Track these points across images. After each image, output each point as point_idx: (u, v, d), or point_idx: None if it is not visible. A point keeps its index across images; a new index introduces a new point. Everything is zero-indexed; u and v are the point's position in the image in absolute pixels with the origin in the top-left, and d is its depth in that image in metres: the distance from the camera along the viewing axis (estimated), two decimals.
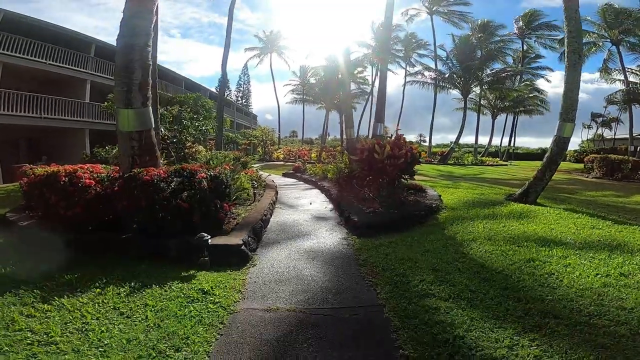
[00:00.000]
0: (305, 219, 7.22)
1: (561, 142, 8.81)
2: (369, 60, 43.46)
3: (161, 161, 9.02)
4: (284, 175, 16.82)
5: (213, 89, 48.69)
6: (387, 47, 9.40)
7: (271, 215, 7.31)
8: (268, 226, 6.65)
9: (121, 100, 5.16)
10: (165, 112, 12.08)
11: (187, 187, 4.80)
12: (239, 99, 75.25)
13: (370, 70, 45.22)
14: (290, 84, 51.97)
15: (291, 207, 8.46)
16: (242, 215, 6.70)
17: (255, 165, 25.06)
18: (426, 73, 34.40)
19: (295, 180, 14.65)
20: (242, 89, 78.30)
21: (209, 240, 4.43)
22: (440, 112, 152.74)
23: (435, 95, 35.10)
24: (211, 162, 8.07)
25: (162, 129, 11.41)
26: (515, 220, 6.75)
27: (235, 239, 4.82)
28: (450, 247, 5.14)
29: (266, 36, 50.24)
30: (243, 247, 4.75)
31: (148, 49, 5.42)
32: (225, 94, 69.95)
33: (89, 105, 19.96)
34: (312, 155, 32.32)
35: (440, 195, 9.04)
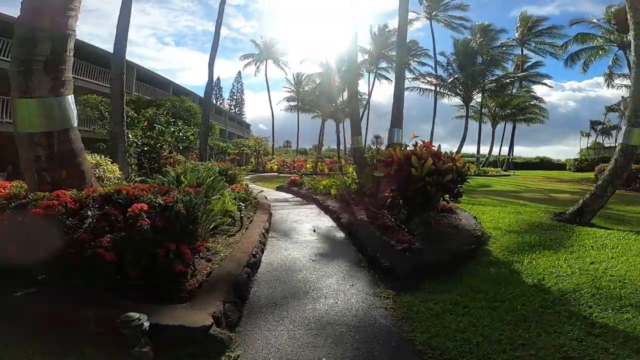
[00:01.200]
0: (310, 256, 5.22)
1: (629, 151, 7.04)
2: (366, 67, 42.12)
3: (118, 175, 7.10)
4: (279, 189, 14.83)
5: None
6: (404, 42, 7.72)
7: (262, 252, 5.31)
8: (258, 271, 4.65)
9: (17, 87, 3.20)
10: (137, 115, 10.09)
11: (117, 224, 2.82)
12: (232, 107, 73.51)
13: (366, 78, 43.91)
14: (284, 91, 50.42)
15: (289, 237, 6.47)
16: (222, 253, 4.71)
17: (247, 177, 23.14)
18: (427, 79, 32.84)
19: (291, 195, 12.66)
20: (235, 97, 76.75)
21: (146, 324, 2.43)
22: (436, 120, 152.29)
23: (436, 102, 33.62)
24: (182, 178, 6.06)
25: (131, 134, 9.40)
26: (598, 251, 5.14)
27: (199, 315, 2.81)
28: (557, 306, 3.30)
29: (262, 42, 48.68)
30: (213, 327, 2.75)
31: (70, 14, 3.48)
32: (218, 102, 68.76)
33: None
34: (308, 165, 30.40)
35: (475, 218, 7.18)
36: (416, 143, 8.06)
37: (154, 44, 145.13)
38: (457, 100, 35.99)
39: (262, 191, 11.77)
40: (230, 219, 6.34)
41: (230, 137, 48.16)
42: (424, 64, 41.28)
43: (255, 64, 49.50)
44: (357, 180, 9.27)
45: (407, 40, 42.64)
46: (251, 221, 6.81)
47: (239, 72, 77.77)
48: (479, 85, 32.64)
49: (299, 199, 11.69)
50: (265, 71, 49.27)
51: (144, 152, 9.33)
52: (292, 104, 51.21)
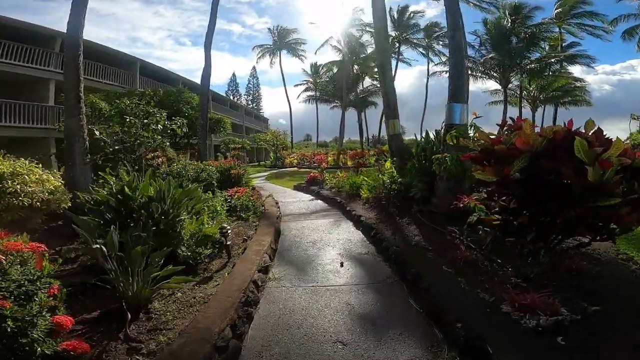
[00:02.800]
0: (340, 324, 2.85)
1: None
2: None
3: (56, 186, 4.88)
4: (296, 188, 12.49)
5: (223, 94, 45.26)
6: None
7: (250, 319, 2.96)
8: None
9: None
10: (106, 106, 7.95)
11: None
12: (249, 102, 71.91)
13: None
14: (302, 83, 48.12)
15: (303, 277, 4.06)
16: (170, 326, 2.46)
17: (264, 174, 21.08)
18: None
19: (310, 197, 10.29)
20: (252, 92, 75.00)
21: None
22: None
23: (468, 87, 30.24)
24: (127, 190, 3.72)
25: (98, 131, 7.26)
26: None
27: None
28: None
29: (276, 31, 46.31)
30: None
31: None
32: (235, 98, 67.14)
33: (53, 109, 16.19)
34: (329, 159, 27.94)
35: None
36: (473, 126, 5.53)
37: (171, 45, 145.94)
38: (490, 85, 32.50)
39: (270, 195, 9.47)
40: (210, 250, 4.05)
41: (248, 132, 46.35)
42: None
43: (269, 55, 47.20)
44: (398, 179, 6.79)
45: (429, 23, 39.54)
46: (244, 249, 4.50)
47: (254, 67, 76.03)
48: (517, 65, 29.10)
49: (319, 202, 9.31)
50: (280, 62, 46.88)
51: (115, 152, 7.17)
52: (310, 94, 48.99)
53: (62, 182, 4.82)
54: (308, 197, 10.30)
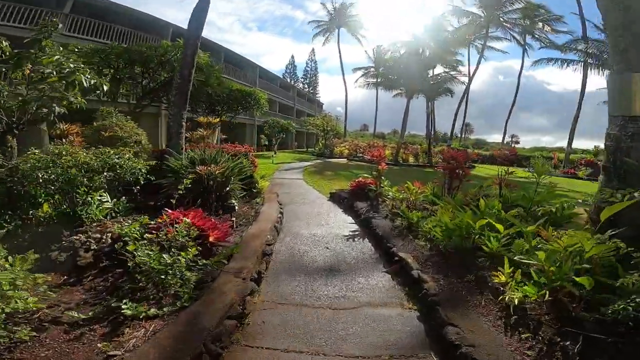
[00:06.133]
0: None
1: None
2: (465, 38, 32.09)
3: None
4: (333, 198, 8.00)
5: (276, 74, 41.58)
6: None
7: None
8: None
9: None
10: None
11: None
12: (306, 86, 68.16)
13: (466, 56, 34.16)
14: (362, 68, 42.93)
15: None
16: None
17: (300, 165, 16.78)
18: (579, 47, 22.12)
19: (349, 229, 5.77)
20: (308, 75, 71.06)
21: None
22: (538, 109, 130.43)
23: (585, 78, 23.09)
24: None
25: None
26: None
27: None
28: None
29: (334, 7, 41.27)
30: None
31: None
32: (293, 81, 63.18)
33: None
34: (387, 152, 22.97)
35: None
36: None
37: (239, 30, 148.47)
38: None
39: (300, 203, 5.01)
40: None
41: (299, 116, 42.51)
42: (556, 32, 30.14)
43: (324, 35, 42.34)
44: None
45: (528, 4, 31.88)
46: None
47: (312, 50, 72.00)
48: None
49: (366, 248, 4.76)
50: (338, 41, 41.78)
51: None
52: (371, 80, 43.84)
53: None
54: (345, 227, 5.72)
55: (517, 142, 67.69)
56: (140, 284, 2.91)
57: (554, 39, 29.70)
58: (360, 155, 24.89)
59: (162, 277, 2.92)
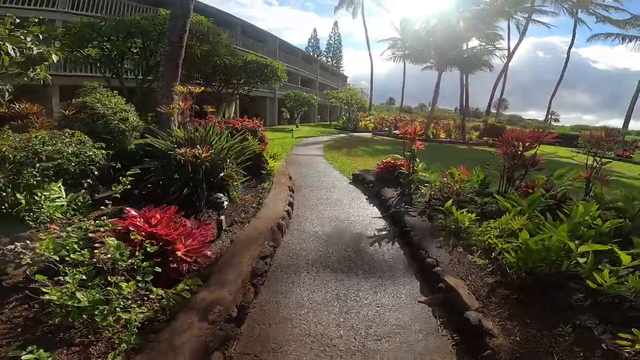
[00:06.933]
0: None
1: None
2: (503, 10, 28.43)
3: None
4: (356, 180, 6.83)
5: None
6: None
7: None
8: None
9: None
10: None
11: None
12: (329, 59, 65.39)
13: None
14: (389, 39, 40.08)
15: None
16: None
17: (321, 140, 15.43)
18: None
19: (377, 227, 4.58)
20: (332, 48, 67.97)
21: None
22: (581, 87, 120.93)
23: None
24: None
25: None
26: None
27: None
28: None
29: None
30: None
31: None
32: (316, 55, 60.64)
33: None
34: (415, 125, 21.20)
35: None
36: None
37: (261, 4, 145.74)
38: None
39: (307, 189, 3.85)
40: None
41: (322, 89, 40.69)
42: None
43: (348, 6, 39.34)
44: None
45: None
46: None
47: (335, 23, 68.73)
48: None
49: (395, 264, 3.59)
50: (362, 10, 38.86)
51: None
52: (398, 52, 41.06)
53: None
54: (370, 225, 4.57)
55: (557, 120, 62.91)
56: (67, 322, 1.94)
57: (607, 15, 26.06)
58: (386, 129, 23.26)
59: (87, 318, 1.92)
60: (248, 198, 4.95)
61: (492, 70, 24.76)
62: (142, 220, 2.80)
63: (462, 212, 3.66)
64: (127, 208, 3.06)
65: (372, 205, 5.30)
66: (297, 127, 22.92)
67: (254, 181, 5.89)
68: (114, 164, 4.32)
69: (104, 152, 3.70)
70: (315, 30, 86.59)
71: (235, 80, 15.81)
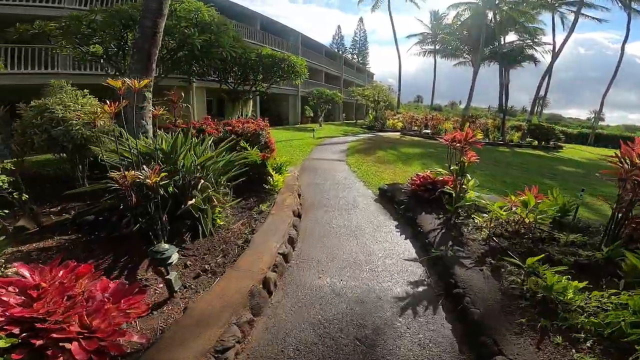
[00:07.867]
0: None
1: None
2: (552, 4, 25.52)
3: None
4: (382, 196, 5.45)
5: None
6: None
7: None
8: None
9: None
10: None
11: None
12: (355, 56, 63.46)
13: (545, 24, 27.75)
14: (418, 34, 38.19)
15: None
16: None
17: (345, 141, 13.97)
18: None
19: (414, 282, 3.22)
20: (357, 44, 65.91)
21: None
22: (625, 85, 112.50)
23: None
24: None
25: None
26: None
27: None
28: None
29: None
30: None
31: None
32: (340, 51, 58.77)
33: None
34: (448, 125, 19.43)
35: None
36: None
37: (286, 3, 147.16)
38: None
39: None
40: None
41: (347, 86, 39.15)
42: None
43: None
44: None
45: None
46: None
47: (360, 19, 66.87)
48: None
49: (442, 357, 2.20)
50: (389, 4, 36.49)
51: None
52: (428, 47, 38.89)
53: None
54: (401, 273, 3.21)
55: (602, 119, 58.10)
56: None
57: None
58: (416, 128, 21.53)
59: None
60: (237, 227, 3.69)
61: (538, 64, 22.23)
62: (14, 290, 1.60)
63: (557, 276, 2.22)
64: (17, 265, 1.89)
65: (403, 237, 3.92)
66: (320, 126, 21.63)
67: (252, 200, 4.65)
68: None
69: (4, 177, 2.56)
70: (339, 27, 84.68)
71: (252, 76, 14.69)
